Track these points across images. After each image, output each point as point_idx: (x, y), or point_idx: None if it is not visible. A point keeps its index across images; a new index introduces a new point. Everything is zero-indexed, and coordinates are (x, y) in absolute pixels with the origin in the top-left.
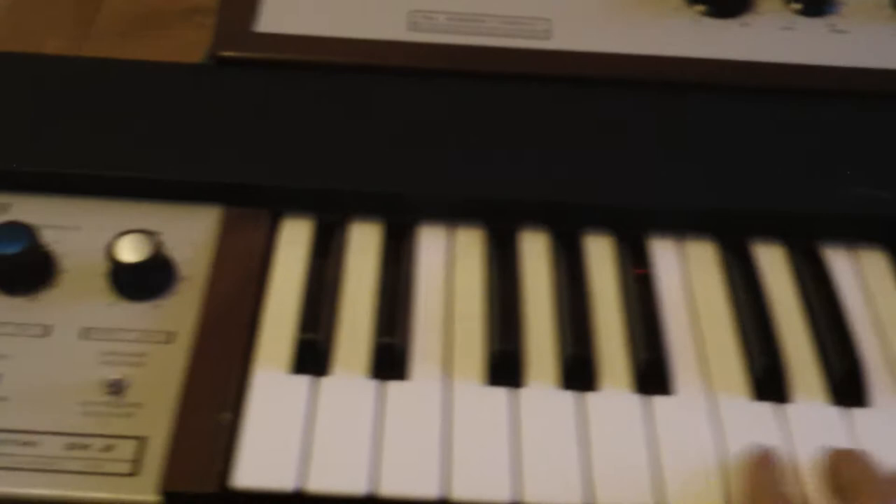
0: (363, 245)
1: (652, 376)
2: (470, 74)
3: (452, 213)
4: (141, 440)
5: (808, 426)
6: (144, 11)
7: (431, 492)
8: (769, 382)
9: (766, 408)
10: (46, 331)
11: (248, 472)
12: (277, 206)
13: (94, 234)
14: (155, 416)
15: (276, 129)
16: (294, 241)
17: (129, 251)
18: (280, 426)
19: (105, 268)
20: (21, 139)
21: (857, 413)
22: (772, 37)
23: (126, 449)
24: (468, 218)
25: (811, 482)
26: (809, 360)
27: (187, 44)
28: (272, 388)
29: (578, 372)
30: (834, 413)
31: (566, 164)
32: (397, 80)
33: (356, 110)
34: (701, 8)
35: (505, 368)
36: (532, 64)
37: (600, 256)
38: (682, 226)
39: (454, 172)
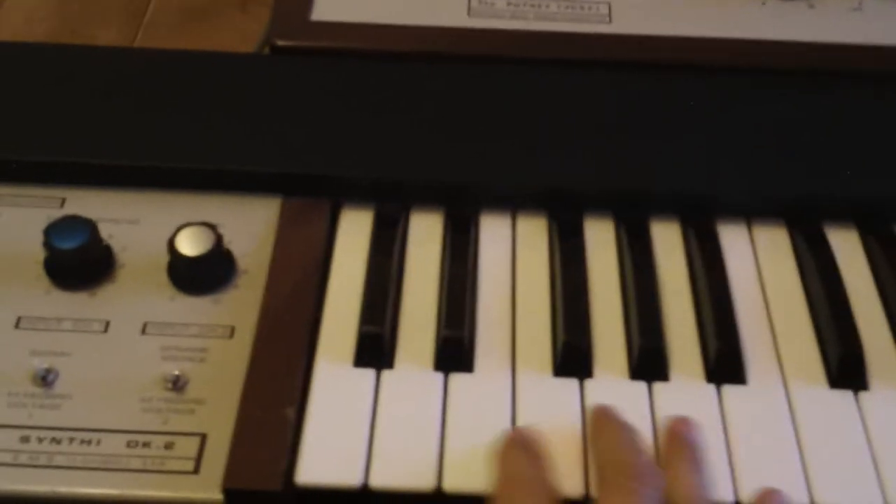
0: (425, 235)
1: (724, 365)
2: (530, 61)
3: (515, 203)
4: (203, 437)
5: (887, 415)
6: (196, 2)
7: None
8: (846, 370)
9: (843, 396)
10: (106, 326)
11: (313, 469)
12: (337, 197)
13: (151, 227)
14: (217, 413)
15: (335, 119)
16: (354, 231)
17: (189, 244)
18: (344, 421)
19: (164, 261)
20: (76, 132)
21: None
22: (840, 18)
23: (188, 446)
24: (531, 207)
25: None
26: (889, 347)
27: (240, 33)
28: (335, 381)
29: (649, 362)
30: None
31: (630, 151)
32: (457, 68)
33: (415, 98)
34: None
35: (573, 360)
36: (593, 49)
37: (668, 243)
38: (751, 212)
39: (516, 160)
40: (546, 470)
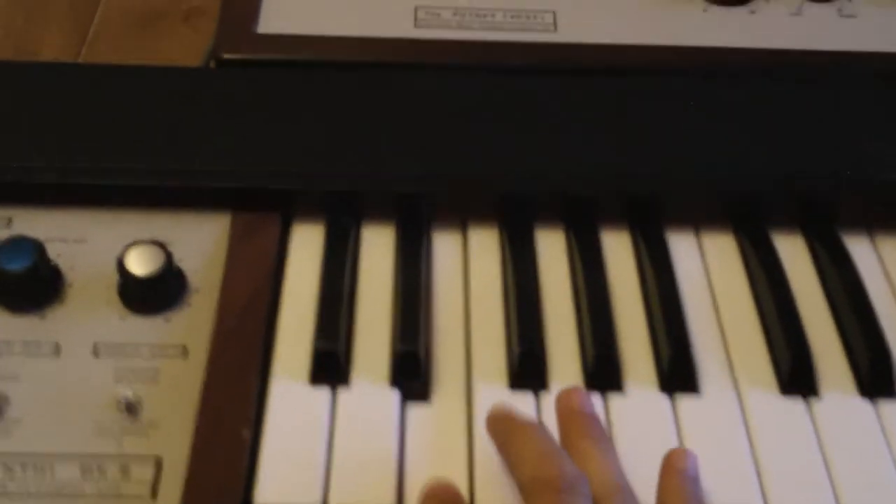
0: (377, 248)
1: (677, 373)
2: (477, 69)
3: (467, 211)
4: (158, 460)
5: (838, 419)
6: (142, 11)
7: None
8: (796, 377)
9: (794, 402)
10: (56, 349)
11: (271, 489)
12: (288, 211)
13: (100, 246)
14: (172, 435)
15: (283, 132)
16: (306, 246)
17: (139, 264)
18: (301, 439)
19: (114, 281)
20: (22, 150)
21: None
22: (780, 23)
23: (143, 470)
24: (482, 217)
25: None
26: (836, 351)
27: (186, 46)
28: (291, 400)
29: (603, 371)
30: (865, 405)
31: (579, 155)
32: (404, 78)
33: (364, 109)
34: None
35: (527, 371)
36: (539, 57)
37: (618, 251)
38: (698, 214)
39: (467, 168)
40: None
